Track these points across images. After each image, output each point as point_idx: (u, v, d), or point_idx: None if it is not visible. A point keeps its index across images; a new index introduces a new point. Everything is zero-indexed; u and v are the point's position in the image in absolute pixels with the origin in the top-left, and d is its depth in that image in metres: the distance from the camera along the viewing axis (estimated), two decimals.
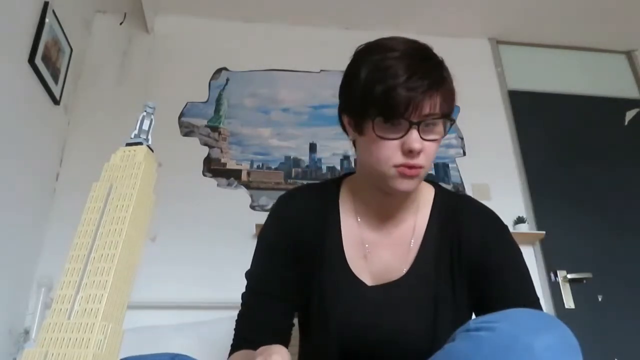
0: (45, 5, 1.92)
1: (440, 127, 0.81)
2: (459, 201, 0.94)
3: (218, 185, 2.27)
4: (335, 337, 0.87)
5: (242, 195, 2.26)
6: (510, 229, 2.42)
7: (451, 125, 0.83)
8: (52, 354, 0.51)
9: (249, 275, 0.97)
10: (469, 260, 0.86)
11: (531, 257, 2.32)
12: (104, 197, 0.59)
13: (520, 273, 0.87)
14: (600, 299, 2.28)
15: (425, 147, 0.79)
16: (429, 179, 0.95)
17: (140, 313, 1.89)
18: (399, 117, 0.77)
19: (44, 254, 1.99)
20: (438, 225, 0.90)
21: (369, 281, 0.88)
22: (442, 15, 2.67)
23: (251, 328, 0.92)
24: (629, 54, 2.99)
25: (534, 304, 0.84)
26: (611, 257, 2.37)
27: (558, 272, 2.30)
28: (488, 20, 2.75)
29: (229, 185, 2.28)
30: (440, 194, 0.94)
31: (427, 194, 0.94)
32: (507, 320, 0.62)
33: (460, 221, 0.89)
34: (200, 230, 2.13)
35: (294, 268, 0.92)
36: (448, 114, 0.81)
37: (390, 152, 0.79)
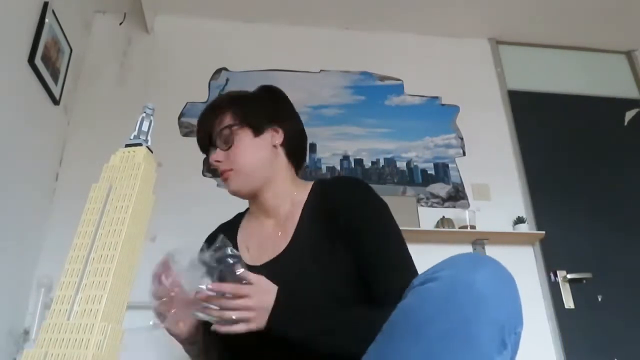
0: (45, 5, 1.92)
1: (232, 136, 1.01)
2: (328, 182, 1.10)
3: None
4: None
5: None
6: (510, 229, 2.42)
7: (248, 128, 1.03)
8: (52, 355, 0.51)
9: None
10: (338, 225, 0.96)
11: (531, 257, 2.32)
12: (104, 197, 0.60)
13: (377, 233, 0.97)
14: (600, 299, 2.28)
15: (227, 154, 1.01)
16: (317, 179, 1.13)
17: (140, 313, 1.89)
18: (204, 150, 1.07)
19: (44, 254, 1.99)
20: (311, 206, 1.02)
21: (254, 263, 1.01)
22: (442, 16, 2.67)
23: None
24: (628, 54, 2.99)
25: (395, 265, 0.94)
26: (611, 257, 2.37)
27: (558, 272, 2.30)
28: (488, 20, 2.75)
29: None
30: (316, 184, 1.08)
31: (304, 189, 1.07)
32: (447, 268, 0.71)
33: (327, 194, 1.02)
34: (200, 230, 2.12)
35: None
36: (235, 123, 1.02)
37: (214, 168, 1.05)
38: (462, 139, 2.56)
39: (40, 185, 2.05)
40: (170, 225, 2.06)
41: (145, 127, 0.62)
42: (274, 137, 1.06)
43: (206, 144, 1.05)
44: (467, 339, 0.64)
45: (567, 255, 2.34)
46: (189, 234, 2.22)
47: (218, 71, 2.52)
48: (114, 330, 0.53)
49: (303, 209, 1.02)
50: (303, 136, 1.15)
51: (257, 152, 1.03)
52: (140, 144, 0.62)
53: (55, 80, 2.05)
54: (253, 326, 0.80)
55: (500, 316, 0.65)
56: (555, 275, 2.29)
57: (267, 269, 0.94)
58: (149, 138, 0.62)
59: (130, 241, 0.57)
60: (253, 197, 1.07)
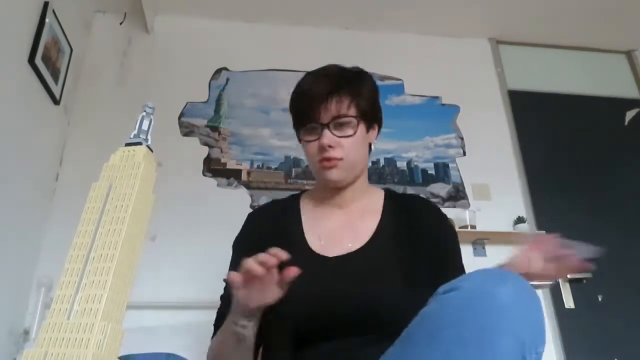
0: (45, 5, 1.92)
1: (354, 125, 1.00)
2: (406, 197, 1.17)
3: (218, 185, 2.27)
4: (298, 311, 0.91)
5: (242, 195, 2.26)
6: (510, 229, 2.41)
7: (369, 123, 1.04)
8: (52, 354, 0.51)
9: (225, 281, 1.03)
10: (424, 239, 1.00)
11: None
12: (104, 197, 0.59)
13: (455, 244, 1.07)
14: (600, 299, 2.28)
15: (339, 142, 0.98)
16: (384, 188, 1.15)
17: (140, 313, 1.89)
18: (308, 122, 1.00)
19: (44, 253, 1.99)
20: (391, 212, 1.06)
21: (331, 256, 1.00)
22: (443, 16, 2.67)
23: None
24: (628, 54, 2.99)
25: (462, 270, 1.02)
26: (611, 257, 2.35)
27: None
28: (488, 20, 2.75)
29: (229, 185, 2.28)
30: (389, 192, 1.12)
31: (376, 190, 1.13)
32: (470, 279, 0.70)
33: (411, 209, 1.06)
34: (200, 230, 2.13)
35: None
36: (357, 115, 1.00)
37: (313, 150, 1.01)
38: (462, 138, 2.56)
39: (41, 185, 2.05)
40: (170, 225, 2.07)
41: (145, 126, 0.62)
42: (372, 134, 1.09)
43: (313, 122, 1.00)
44: (484, 347, 0.63)
45: None
46: (188, 234, 2.24)
47: (218, 71, 2.52)
48: (114, 329, 0.53)
49: (383, 212, 1.05)
50: None
51: (364, 149, 1.05)
52: (140, 143, 0.62)
53: (56, 80, 2.05)
54: None
55: (521, 331, 0.64)
56: None
57: (342, 262, 0.96)
58: (149, 137, 0.62)
59: (130, 240, 0.57)
60: (340, 188, 1.06)
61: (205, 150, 2.33)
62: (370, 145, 1.09)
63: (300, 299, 0.90)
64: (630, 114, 2.78)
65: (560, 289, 2.27)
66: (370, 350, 0.82)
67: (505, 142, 2.59)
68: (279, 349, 0.95)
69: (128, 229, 0.57)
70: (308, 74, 1.06)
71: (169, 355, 0.86)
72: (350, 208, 1.07)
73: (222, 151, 2.34)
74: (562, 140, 2.64)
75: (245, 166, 2.33)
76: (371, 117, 1.05)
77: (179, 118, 2.38)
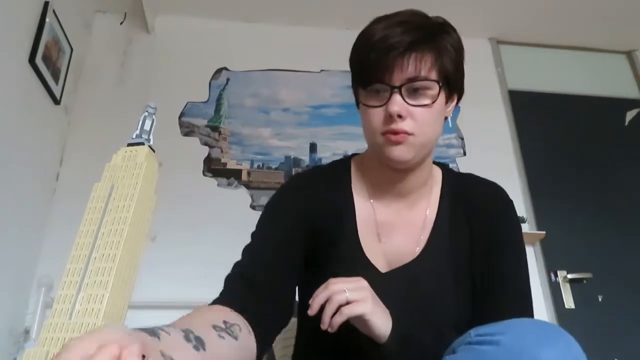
0: (46, 5, 1.92)
1: (433, 92, 0.79)
2: (465, 179, 0.94)
3: (218, 185, 2.27)
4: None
5: (242, 195, 2.26)
6: None
7: (452, 88, 0.83)
8: (53, 354, 0.51)
9: (253, 240, 0.89)
10: (480, 233, 0.86)
11: (531, 257, 2.32)
12: (105, 197, 0.59)
13: (516, 255, 0.88)
14: (600, 299, 2.28)
15: (412, 112, 0.77)
16: (438, 163, 0.95)
17: (141, 313, 1.88)
18: (374, 82, 0.79)
19: (44, 253, 1.99)
20: (448, 203, 0.89)
21: (383, 267, 0.85)
22: (443, 15, 2.66)
23: (252, 287, 0.79)
24: (629, 54, 2.99)
25: (521, 293, 0.87)
26: (611, 257, 2.37)
27: (558, 272, 2.30)
28: (488, 20, 2.74)
29: (229, 185, 2.28)
30: (446, 173, 0.93)
31: (436, 175, 0.92)
32: (511, 333, 0.59)
33: (469, 198, 0.89)
34: (200, 230, 2.13)
35: (303, 237, 0.86)
36: (440, 80, 0.79)
37: (376, 119, 0.79)
38: (462, 139, 2.56)
39: (41, 185, 2.05)
40: (170, 225, 2.06)
41: (147, 126, 0.62)
42: (450, 107, 0.88)
43: (382, 81, 0.78)
44: None
45: (568, 255, 2.34)
46: (189, 234, 2.24)
47: (218, 71, 2.52)
48: None
49: (440, 206, 0.88)
50: None
51: (439, 123, 0.84)
52: (142, 143, 0.62)
53: (56, 80, 2.05)
54: (368, 307, 0.68)
55: None
56: (556, 276, 2.29)
57: (394, 280, 0.83)
58: (151, 137, 0.62)
59: (131, 240, 0.57)
60: (402, 171, 0.85)
61: (205, 150, 2.33)
62: (446, 119, 0.87)
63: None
64: (630, 114, 2.78)
65: (560, 289, 2.27)
66: None
67: (506, 142, 2.59)
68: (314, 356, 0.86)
69: (130, 229, 0.57)
70: (377, 19, 0.87)
71: None
72: (412, 198, 0.88)
73: (222, 151, 2.34)
74: (563, 140, 2.64)
75: (245, 166, 2.33)
76: (454, 84, 0.84)
77: (179, 118, 2.38)
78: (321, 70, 2.59)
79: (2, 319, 1.75)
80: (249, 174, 2.31)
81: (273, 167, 2.35)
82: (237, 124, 2.42)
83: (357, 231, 0.86)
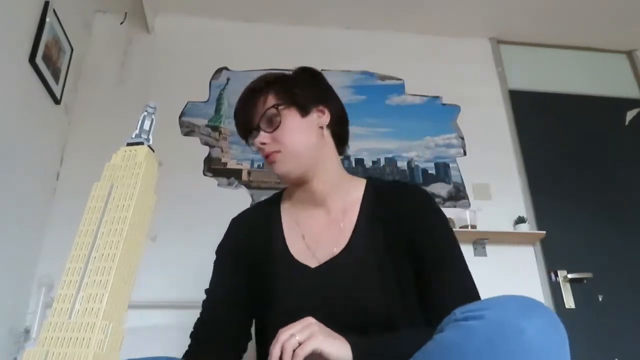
0: (46, 4, 1.92)
1: (277, 118, 0.97)
2: (388, 184, 1.07)
3: (218, 184, 2.27)
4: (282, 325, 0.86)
5: (242, 195, 2.26)
6: (511, 229, 2.41)
7: (293, 106, 0.98)
8: (53, 353, 0.51)
9: (207, 290, 1.09)
10: (401, 233, 0.95)
11: (531, 256, 2.32)
12: (105, 196, 0.59)
13: (445, 246, 0.96)
14: (600, 299, 2.28)
15: (273, 137, 0.96)
16: (369, 177, 1.09)
17: (141, 313, 1.89)
18: (248, 132, 1.01)
19: (45, 253, 1.99)
20: (369, 205, 1.00)
21: (314, 265, 0.96)
22: (443, 15, 2.67)
23: (207, 334, 1.00)
24: (629, 54, 2.99)
25: (459, 268, 0.94)
26: (612, 256, 2.37)
27: (558, 272, 2.30)
28: (489, 20, 2.74)
29: (230, 184, 2.28)
30: (371, 181, 1.06)
31: (357, 183, 1.05)
32: (494, 308, 0.65)
33: (389, 200, 1.00)
34: (201, 230, 2.12)
35: (245, 272, 1.02)
36: (276, 104, 0.97)
37: (261, 154, 1.00)
38: (462, 138, 2.56)
39: (41, 185, 2.05)
40: (170, 225, 2.07)
41: (146, 126, 0.62)
42: (321, 118, 1.02)
43: (248, 130, 1.00)
44: None
45: (568, 255, 2.34)
46: (189, 234, 2.23)
47: (219, 71, 2.52)
48: (115, 329, 0.53)
49: (361, 208, 0.99)
50: (346, 119, 1.09)
51: (305, 134, 0.98)
52: (141, 143, 0.62)
53: (56, 79, 2.05)
54: (318, 341, 0.73)
55: None
56: (556, 275, 2.29)
57: (324, 270, 0.94)
58: (150, 137, 0.62)
59: (131, 240, 0.57)
60: (302, 182, 1.01)
61: (205, 150, 2.33)
62: (324, 128, 1.01)
63: (287, 312, 0.87)
64: (630, 114, 2.78)
65: (560, 289, 2.27)
66: None
67: (506, 142, 2.59)
68: None
69: (129, 229, 0.57)
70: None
71: (169, 359, 0.85)
72: (328, 204, 1.01)
73: (222, 151, 2.35)
74: (563, 140, 2.64)
75: (245, 166, 2.33)
76: (305, 101, 0.99)
77: (180, 117, 2.38)
78: (321, 70, 2.58)
79: (3, 318, 1.75)
80: (249, 173, 2.32)
81: None
82: None
83: (285, 242, 1.00)
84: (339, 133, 1.06)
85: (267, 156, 0.97)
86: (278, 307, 0.93)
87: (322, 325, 0.77)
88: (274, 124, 0.96)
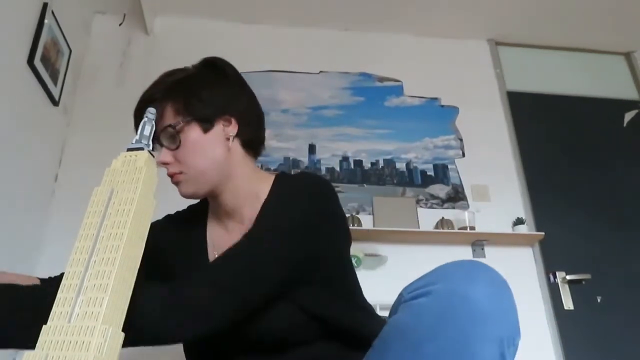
0: (45, 6, 1.92)
1: (184, 134, 0.85)
2: (289, 179, 0.95)
3: None
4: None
5: None
6: (510, 230, 2.41)
7: (194, 119, 0.87)
8: (53, 357, 0.51)
9: None
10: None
11: (530, 258, 2.33)
12: (105, 201, 0.60)
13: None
14: (599, 300, 2.29)
15: (175, 155, 0.87)
16: (282, 172, 0.98)
17: None
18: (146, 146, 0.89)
19: (43, 255, 1.99)
20: (269, 205, 0.89)
21: None
22: (441, 17, 2.68)
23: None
24: (627, 56, 2.99)
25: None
26: (610, 258, 2.38)
27: (557, 273, 2.30)
28: (487, 21, 2.75)
29: None
30: (278, 178, 0.95)
31: (266, 183, 0.94)
32: (440, 280, 0.67)
33: (278, 193, 0.91)
34: None
35: (158, 259, 0.93)
36: (171, 124, 0.85)
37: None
38: (461, 140, 2.56)
39: (40, 186, 2.05)
40: None
41: (146, 132, 0.62)
42: (227, 128, 0.90)
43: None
44: (467, 356, 0.63)
45: (567, 256, 2.35)
46: None
47: None
48: (114, 333, 0.53)
49: (262, 208, 0.88)
50: (260, 119, 0.98)
51: (208, 151, 0.87)
52: (142, 149, 0.62)
53: (55, 81, 2.05)
54: None
55: (499, 331, 0.64)
56: (555, 277, 2.30)
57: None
58: (150, 142, 0.62)
59: (131, 244, 0.57)
60: (212, 197, 0.94)
61: None
62: (230, 139, 0.90)
63: None
64: (629, 115, 2.78)
65: (559, 290, 2.28)
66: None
67: (505, 144, 2.59)
68: None
69: (129, 233, 0.57)
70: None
71: None
72: (241, 214, 0.92)
73: None
74: (561, 142, 2.65)
75: None
76: (207, 114, 0.87)
77: None
78: (320, 72, 2.60)
79: None
80: None
81: (272, 168, 2.36)
82: None
83: (206, 246, 0.96)
84: (251, 138, 0.95)
85: (170, 176, 0.89)
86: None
87: None
88: (174, 143, 0.86)
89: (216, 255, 0.91)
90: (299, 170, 2.36)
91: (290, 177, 0.95)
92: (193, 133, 0.86)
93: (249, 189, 0.93)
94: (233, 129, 0.91)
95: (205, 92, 0.89)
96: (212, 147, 0.88)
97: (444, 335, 0.63)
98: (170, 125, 0.85)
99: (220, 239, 0.95)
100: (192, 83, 0.90)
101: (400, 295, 0.72)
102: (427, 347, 0.64)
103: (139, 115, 0.88)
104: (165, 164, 0.87)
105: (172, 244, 0.99)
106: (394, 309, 0.73)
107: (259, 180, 0.95)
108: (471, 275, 0.66)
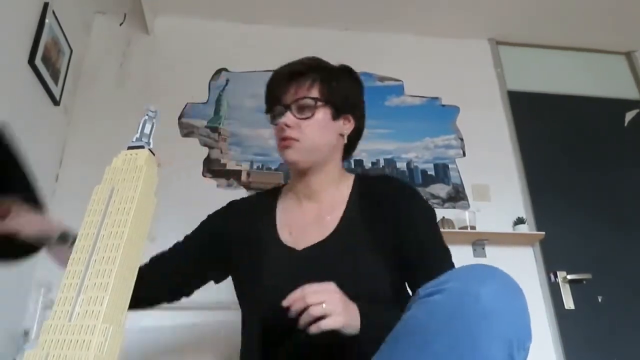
0: (45, 6, 1.92)
1: (315, 109, 1.00)
2: (374, 179, 1.13)
3: (218, 186, 2.27)
4: (265, 305, 0.93)
5: (242, 196, 2.26)
6: (510, 230, 2.41)
7: (331, 107, 1.03)
8: (53, 356, 0.51)
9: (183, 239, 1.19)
10: (386, 228, 0.99)
11: (531, 257, 2.32)
12: (106, 199, 0.60)
13: (429, 228, 1.03)
14: (600, 300, 2.28)
15: (299, 123, 1.00)
16: (358, 173, 1.14)
17: (141, 315, 1.89)
18: (274, 104, 1.04)
19: (44, 254, 1.99)
20: (355, 201, 1.04)
21: (297, 247, 1.01)
22: (442, 16, 2.67)
23: (155, 266, 1.12)
24: (628, 55, 2.99)
25: (443, 252, 1.00)
26: (611, 257, 2.37)
27: (558, 272, 2.30)
28: (488, 21, 2.75)
29: (229, 186, 2.28)
30: (359, 177, 1.11)
31: (347, 179, 1.10)
32: (454, 280, 0.69)
33: (373, 186, 1.07)
34: None
35: (215, 248, 1.11)
36: (318, 98, 1.01)
37: (277, 133, 1.04)
38: (462, 139, 2.56)
39: (40, 186, 2.04)
40: (169, 226, 2.06)
41: (147, 130, 0.62)
42: (345, 126, 1.07)
43: (276, 103, 1.04)
44: (474, 355, 0.63)
45: (567, 256, 2.34)
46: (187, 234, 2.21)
47: (218, 72, 2.52)
48: (115, 331, 0.53)
49: (349, 200, 1.04)
50: (362, 131, 1.16)
51: (327, 135, 1.03)
52: (142, 147, 0.62)
53: (56, 80, 2.05)
54: (342, 320, 0.76)
55: (508, 332, 0.64)
56: (555, 276, 2.30)
57: (309, 253, 0.97)
58: (151, 141, 0.62)
59: (132, 243, 0.57)
60: (304, 174, 1.06)
61: (205, 151, 2.33)
62: (343, 136, 1.08)
63: (267, 291, 0.92)
64: (629, 115, 2.78)
65: (560, 290, 2.28)
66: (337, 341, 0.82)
67: (505, 143, 2.59)
68: (249, 346, 0.97)
69: (130, 232, 0.57)
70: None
71: None
72: (320, 200, 1.06)
73: (222, 152, 2.35)
74: (562, 141, 2.64)
75: (245, 167, 2.33)
76: (341, 106, 1.04)
77: (179, 119, 2.38)
78: None
79: (2, 319, 1.74)
80: (248, 174, 2.32)
81: (273, 168, 2.36)
82: (236, 125, 2.42)
83: (276, 229, 1.05)
84: (353, 143, 1.12)
85: (283, 139, 1.01)
86: (265, 281, 0.97)
87: (342, 295, 0.80)
88: (305, 114, 1.00)
89: (291, 233, 1.03)
90: None
91: (372, 176, 1.16)
92: (325, 115, 1.02)
93: (334, 179, 1.07)
94: (349, 128, 1.08)
95: (346, 89, 1.06)
96: (331, 132, 1.04)
97: (453, 332, 0.64)
98: (313, 98, 1.00)
99: (295, 216, 1.07)
100: (339, 76, 1.06)
101: (417, 293, 0.73)
102: (435, 343, 0.65)
103: (279, 78, 1.03)
104: (286, 126, 0.99)
105: (241, 230, 1.08)
106: (408, 307, 0.75)
107: (342, 174, 1.10)
108: (484, 277, 0.68)
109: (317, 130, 1.01)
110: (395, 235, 0.98)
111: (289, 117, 1.00)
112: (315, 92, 1.01)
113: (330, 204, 1.05)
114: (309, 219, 1.04)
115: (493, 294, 0.65)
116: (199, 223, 2.02)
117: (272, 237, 1.04)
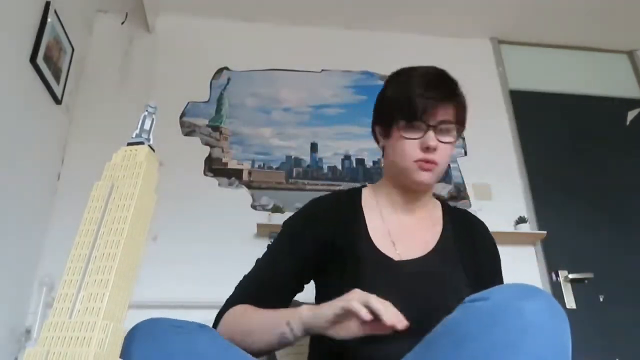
0: (47, 4, 1.92)
1: (454, 133, 1.01)
2: (458, 210, 1.19)
3: (219, 184, 2.27)
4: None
5: (243, 195, 2.26)
6: (512, 229, 2.41)
7: (460, 133, 1.05)
8: (54, 353, 0.51)
9: (264, 254, 1.08)
10: (473, 254, 1.06)
11: (532, 257, 2.32)
12: (106, 196, 0.60)
13: (499, 262, 1.15)
14: (601, 299, 2.28)
15: (440, 147, 0.98)
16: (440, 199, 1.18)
17: (141, 312, 1.89)
18: (417, 119, 0.98)
19: (46, 253, 2.00)
20: (449, 223, 1.09)
21: (397, 259, 1.00)
22: (444, 16, 2.67)
23: (267, 295, 0.99)
24: (630, 54, 2.98)
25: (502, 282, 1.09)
26: (613, 257, 2.37)
27: (559, 272, 2.30)
28: (489, 20, 2.74)
29: (230, 184, 2.28)
30: (444, 202, 1.16)
31: (437, 201, 1.16)
32: (498, 292, 0.70)
33: (463, 224, 1.11)
34: (201, 229, 2.13)
35: (319, 248, 1.02)
36: (460, 122, 1.03)
37: (411, 149, 0.99)
38: (463, 138, 2.56)
39: (42, 185, 2.05)
40: (170, 225, 2.06)
41: (147, 126, 0.62)
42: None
43: (423, 117, 0.98)
44: None
45: (569, 255, 2.34)
46: (189, 233, 2.23)
47: (219, 71, 2.53)
48: (115, 328, 0.53)
49: (444, 223, 1.08)
50: None
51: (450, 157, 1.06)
52: (142, 143, 0.62)
53: (57, 79, 2.05)
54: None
55: (545, 351, 0.63)
56: (557, 275, 2.29)
57: (421, 265, 0.99)
58: (151, 137, 0.62)
59: (132, 239, 0.57)
60: (414, 190, 1.07)
61: (206, 150, 2.33)
62: None
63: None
64: (632, 114, 2.78)
65: (561, 289, 2.27)
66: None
67: (507, 142, 2.59)
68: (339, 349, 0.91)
69: (130, 228, 0.57)
70: (412, 71, 1.05)
71: (201, 325, 0.87)
72: (417, 212, 1.09)
73: (223, 151, 2.35)
74: (564, 140, 2.64)
75: (246, 166, 2.33)
76: (463, 126, 1.07)
77: (180, 117, 2.38)
78: (322, 70, 2.60)
79: (4, 318, 1.75)
80: (249, 173, 2.32)
81: (274, 166, 2.36)
82: (238, 124, 2.42)
83: (371, 240, 1.01)
84: None
85: (427, 161, 0.98)
86: (369, 290, 0.88)
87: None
88: (447, 138, 1.00)
89: (394, 243, 1.02)
90: (300, 170, 2.37)
91: (463, 210, 1.24)
92: (454, 139, 1.02)
93: (431, 197, 1.13)
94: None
95: (466, 112, 1.07)
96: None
97: (492, 338, 0.64)
98: (456, 123, 1.01)
99: (393, 226, 1.05)
100: (464, 99, 1.08)
101: (463, 301, 0.73)
102: (472, 345, 0.66)
103: (434, 92, 0.99)
104: (434, 149, 0.97)
105: (335, 234, 1.03)
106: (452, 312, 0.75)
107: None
108: (530, 294, 0.68)
109: (450, 155, 1.02)
110: (476, 262, 1.05)
111: (433, 138, 0.97)
112: (454, 116, 1.02)
113: (431, 220, 1.09)
114: (408, 227, 1.06)
115: (537, 310, 0.64)
116: (199, 221, 2.02)
117: (365, 241, 1.01)
